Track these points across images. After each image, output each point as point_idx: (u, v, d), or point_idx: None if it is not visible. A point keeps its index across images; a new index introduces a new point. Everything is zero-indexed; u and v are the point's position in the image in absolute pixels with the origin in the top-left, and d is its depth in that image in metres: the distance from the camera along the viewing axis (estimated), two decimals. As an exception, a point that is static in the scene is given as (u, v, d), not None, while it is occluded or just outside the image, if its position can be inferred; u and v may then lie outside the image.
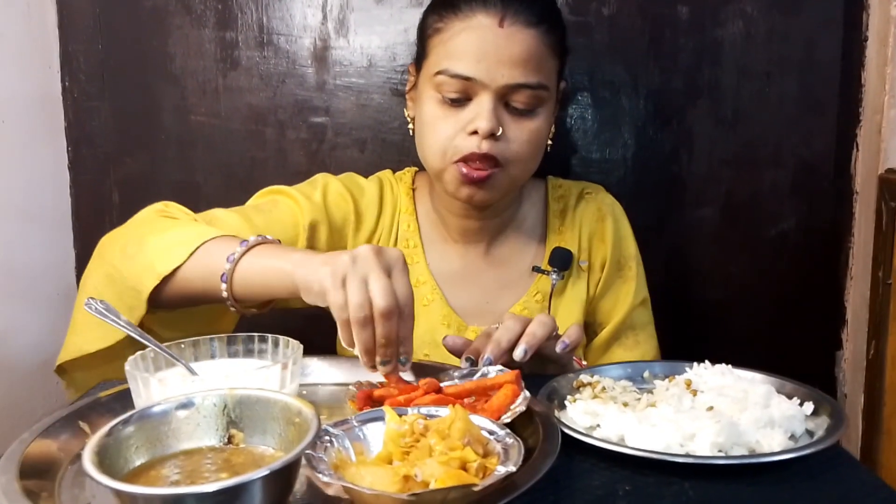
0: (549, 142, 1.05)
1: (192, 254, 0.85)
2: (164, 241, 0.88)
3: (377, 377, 0.77)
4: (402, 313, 0.72)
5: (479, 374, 0.76)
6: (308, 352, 0.78)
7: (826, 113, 1.33)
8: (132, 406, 0.67)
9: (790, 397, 0.73)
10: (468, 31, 0.94)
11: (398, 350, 0.74)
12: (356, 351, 0.74)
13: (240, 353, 0.77)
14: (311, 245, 1.03)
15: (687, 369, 0.81)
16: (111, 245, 0.92)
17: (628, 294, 1.12)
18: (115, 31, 1.31)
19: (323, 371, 0.86)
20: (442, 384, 0.74)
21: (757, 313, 1.19)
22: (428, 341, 1.05)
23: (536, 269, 1.08)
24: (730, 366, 0.80)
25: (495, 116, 0.94)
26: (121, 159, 1.35)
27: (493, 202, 1.03)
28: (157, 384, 0.66)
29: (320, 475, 0.54)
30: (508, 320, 0.83)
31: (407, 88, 1.08)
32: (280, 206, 1.03)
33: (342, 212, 1.07)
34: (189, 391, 0.60)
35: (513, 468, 0.54)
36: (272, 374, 0.68)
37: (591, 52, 1.30)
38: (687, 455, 0.63)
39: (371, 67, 1.32)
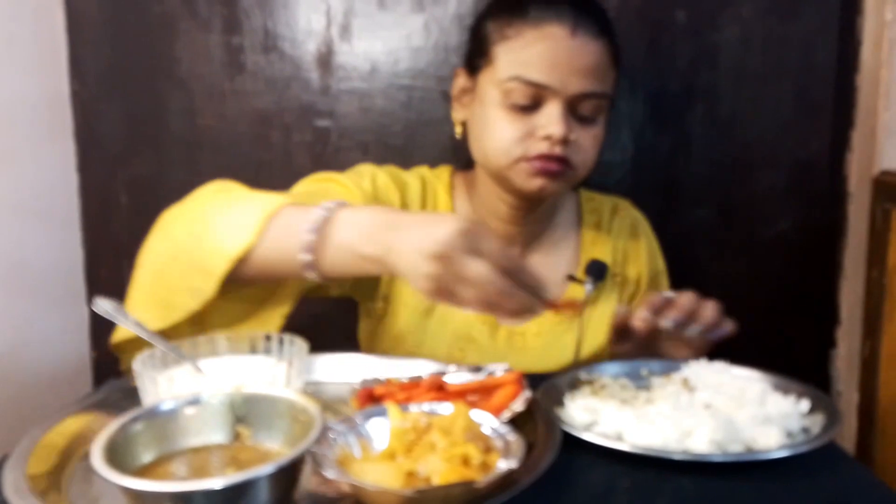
0: None
1: (263, 225, 0.80)
2: (232, 216, 0.83)
3: (383, 375, 0.78)
4: (513, 272, 0.70)
5: (485, 373, 0.77)
6: (313, 349, 0.79)
7: (821, 116, 1.33)
8: (141, 403, 0.68)
9: (786, 395, 0.74)
10: (543, 39, 0.94)
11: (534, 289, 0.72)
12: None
13: (246, 352, 0.77)
14: None
15: (684, 367, 0.81)
16: (174, 222, 0.88)
17: None
18: (123, 35, 1.32)
19: (327, 369, 0.86)
20: (444, 380, 0.76)
21: (753, 313, 1.19)
22: (463, 336, 1.05)
23: (571, 278, 1.08)
24: (726, 363, 0.81)
25: (567, 123, 0.95)
26: (128, 161, 1.36)
27: (557, 195, 1.06)
28: (165, 382, 0.67)
29: (325, 471, 0.55)
30: (686, 295, 0.89)
31: (455, 93, 1.07)
32: (331, 193, 1.00)
33: (388, 204, 1.06)
34: (197, 389, 0.61)
35: (514, 465, 0.55)
36: (278, 371, 0.69)
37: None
38: (685, 452, 0.64)
39: (374, 72, 1.33)
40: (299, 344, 0.75)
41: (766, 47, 1.32)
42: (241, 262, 0.80)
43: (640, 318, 0.88)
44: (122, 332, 0.87)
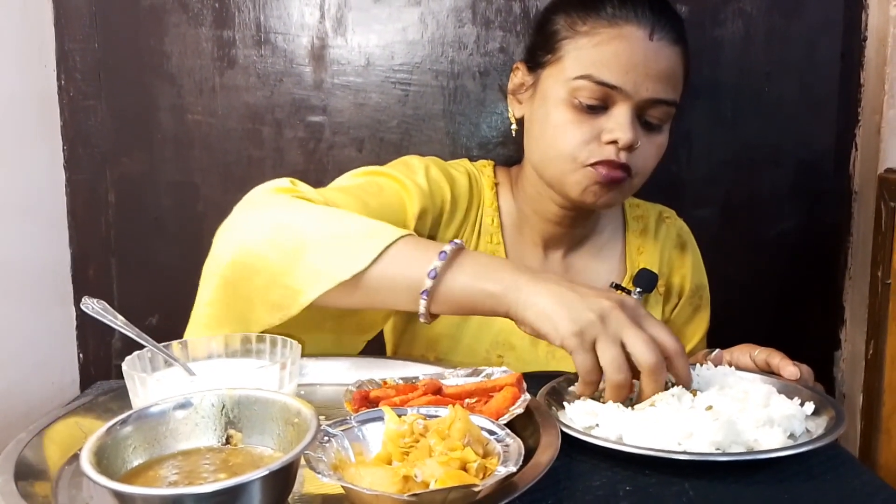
0: None
1: (378, 257, 0.76)
2: (338, 238, 0.79)
3: (378, 376, 0.77)
4: (672, 357, 0.71)
5: (482, 375, 0.76)
6: (306, 352, 0.78)
7: (825, 113, 1.33)
8: (130, 406, 0.66)
9: (791, 397, 0.73)
10: (619, 39, 0.91)
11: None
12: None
13: (238, 353, 0.76)
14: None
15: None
16: (254, 231, 0.81)
17: (703, 321, 1.15)
18: (112, 30, 1.30)
19: (321, 371, 0.85)
20: (443, 382, 0.74)
21: (756, 313, 1.19)
22: (502, 342, 1.02)
23: (618, 287, 1.06)
24: (732, 367, 0.80)
25: (635, 129, 0.92)
26: (117, 158, 1.34)
27: (615, 205, 1.03)
28: (154, 384, 0.65)
29: (320, 475, 0.53)
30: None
31: (512, 87, 1.04)
32: (386, 190, 0.95)
33: (440, 200, 1.01)
34: (187, 391, 0.60)
35: (513, 468, 0.54)
36: (271, 374, 0.68)
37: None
38: (685, 452, 0.63)
39: (369, 66, 1.32)
40: (292, 346, 0.74)
41: (769, 43, 1.31)
42: (343, 286, 0.76)
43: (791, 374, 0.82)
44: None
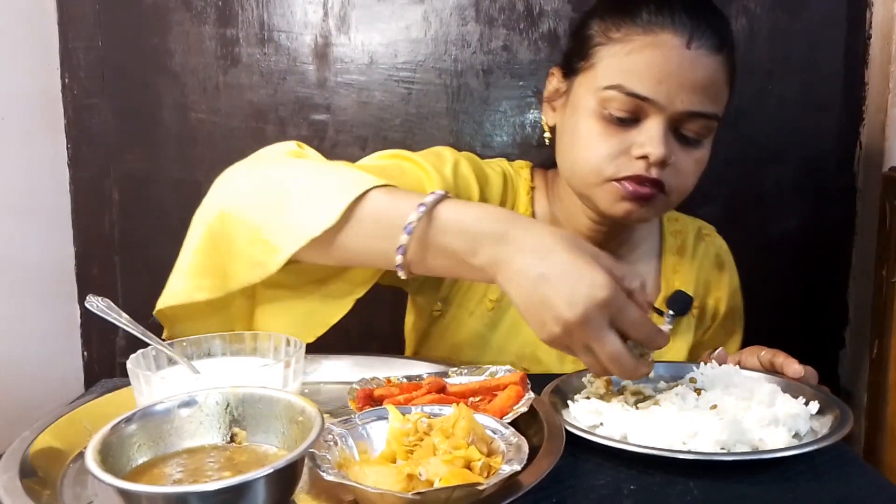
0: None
1: (350, 209, 0.72)
2: (312, 192, 0.75)
3: (382, 374, 0.76)
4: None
5: (486, 373, 0.76)
6: (310, 350, 0.78)
7: (829, 111, 1.33)
8: (134, 404, 0.66)
9: (795, 397, 0.73)
10: (653, 47, 0.85)
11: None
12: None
13: (242, 352, 0.76)
14: None
15: (694, 369, 0.80)
16: (242, 184, 0.80)
17: (735, 344, 1.11)
18: (116, 28, 1.30)
19: (325, 369, 0.85)
20: (447, 381, 0.74)
21: (760, 312, 1.19)
22: (528, 354, 0.98)
23: (652, 308, 1.03)
24: (737, 367, 0.80)
25: (668, 143, 0.86)
26: (120, 156, 1.34)
27: (649, 220, 0.98)
28: (159, 382, 0.65)
29: (324, 474, 0.53)
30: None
31: (547, 94, 0.98)
32: (407, 173, 0.90)
33: (465, 197, 0.94)
34: (192, 389, 0.60)
35: (517, 467, 0.54)
36: (275, 372, 0.68)
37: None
38: (689, 451, 0.63)
39: (372, 64, 1.32)
40: (296, 344, 0.74)
41: (772, 41, 1.31)
42: (316, 243, 0.73)
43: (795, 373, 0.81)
44: (168, 298, 0.81)
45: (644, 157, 0.86)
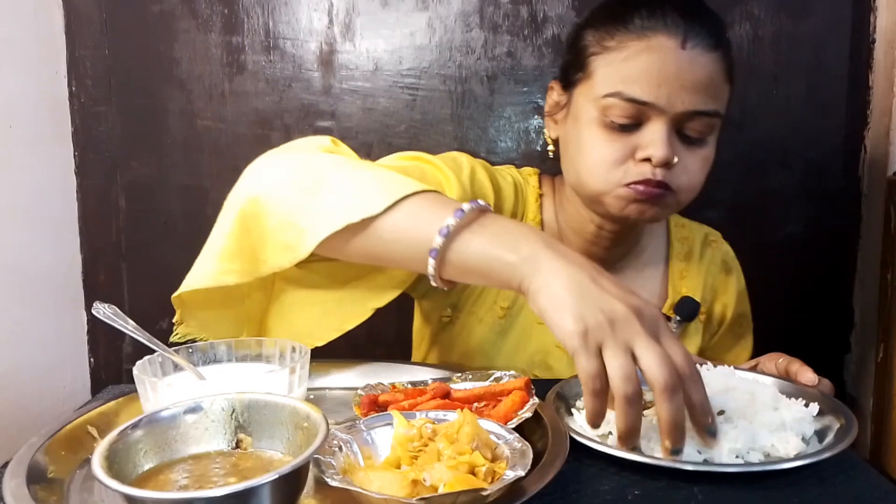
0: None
1: (392, 206, 0.71)
2: (354, 182, 0.75)
3: (386, 380, 0.77)
4: (686, 381, 0.62)
5: (491, 379, 0.76)
6: (316, 356, 0.78)
7: (834, 115, 1.33)
8: (141, 410, 0.67)
9: (795, 399, 0.73)
10: (648, 52, 0.85)
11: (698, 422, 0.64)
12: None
13: (248, 358, 0.76)
14: None
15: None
16: (274, 167, 0.79)
17: (745, 349, 1.12)
18: (122, 36, 1.31)
19: (331, 375, 0.85)
20: (451, 386, 0.74)
21: (764, 316, 1.19)
22: (538, 362, 0.98)
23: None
24: (732, 367, 0.80)
25: (671, 145, 0.86)
26: (127, 164, 1.35)
27: (661, 219, 0.98)
28: (165, 388, 0.66)
29: (329, 480, 0.54)
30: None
31: (548, 108, 0.99)
32: (428, 176, 0.90)
33: None
34: (197, 395, 0.60)
35: (521, 473, 0.54)
36: (280, 378, 0.68)
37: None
38: (695, 463, 0.62)
39: (377, 71, 1.32)
40: (302, 350, 0.74)
41: (777, 45, 1.31)
42: (350, 231, 0.72)
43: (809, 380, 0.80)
44: (193, 281, 0.80)
45: (648, 160, 0.86)
